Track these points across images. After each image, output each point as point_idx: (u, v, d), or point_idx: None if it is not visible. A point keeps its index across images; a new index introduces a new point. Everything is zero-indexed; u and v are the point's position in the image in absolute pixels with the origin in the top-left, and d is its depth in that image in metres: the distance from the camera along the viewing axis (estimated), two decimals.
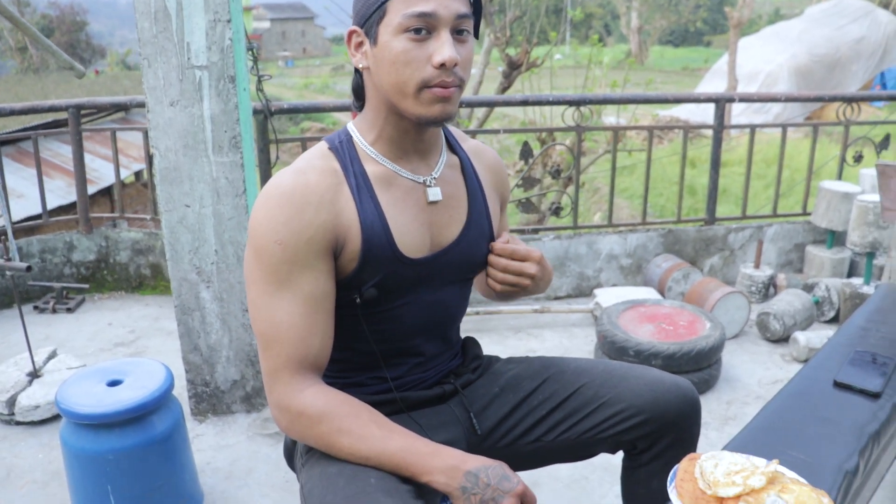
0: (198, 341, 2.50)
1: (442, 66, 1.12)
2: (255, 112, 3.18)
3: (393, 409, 1.30)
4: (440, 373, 1.39)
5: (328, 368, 1.28)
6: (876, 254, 3.47)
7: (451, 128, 1.39)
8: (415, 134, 1.23)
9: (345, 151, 1.23)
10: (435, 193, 1.26)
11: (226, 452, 2.43)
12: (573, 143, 3.95)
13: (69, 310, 3.65)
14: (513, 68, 7.29)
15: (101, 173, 7.38)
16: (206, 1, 2.16)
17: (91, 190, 5.62)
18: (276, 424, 2.50)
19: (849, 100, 4.02)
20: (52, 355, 2.90)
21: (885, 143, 4.05)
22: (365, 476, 1.13)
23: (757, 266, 3.76)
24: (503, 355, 1.52)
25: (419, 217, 1.25)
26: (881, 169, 2.73)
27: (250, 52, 2.58)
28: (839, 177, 4.13)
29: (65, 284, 3.73)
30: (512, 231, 3.17)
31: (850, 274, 3.88)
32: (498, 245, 1.34)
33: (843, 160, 4.09)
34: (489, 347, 2.68)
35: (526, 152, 3.79)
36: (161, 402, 1.98)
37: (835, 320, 3.50)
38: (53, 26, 30.69)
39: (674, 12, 32.70)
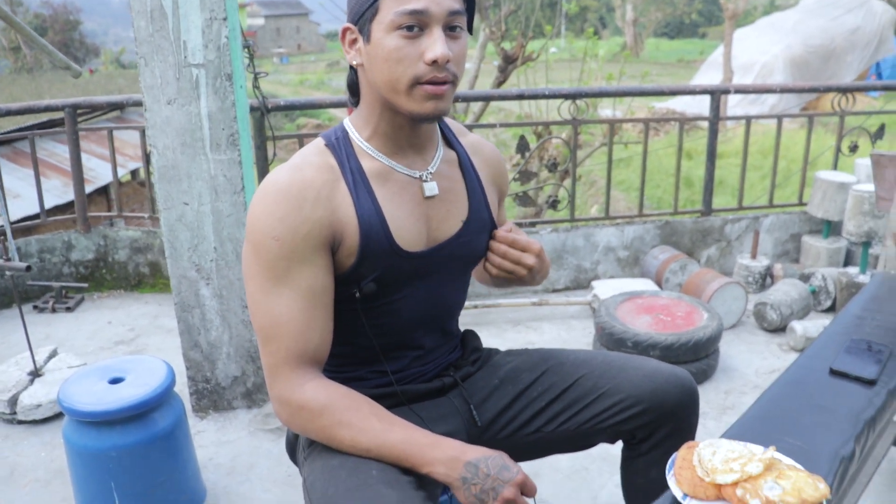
0: (198, 338, 2.51)
1: (434, 62, 1.12)
2: (252, 109, 3.18)
3: (393, 402, 1.32)
4: (440, 365, 1.40)
5: (329, 363, 1.30)
6: (872, 243, 3.49)
7: (450, 122, 1.40)
8: (409, 129, 1.24)
9: (341, 147, 1.24)
10: (431, 188, 1.27)
11: (227, 448, 2.45)
12: (569, 137, 3.95)
13: (69, 309, 3.66)
14: (508, 62, 7.29)
15: (97, 172, 7.37)
16: None
17: (88, 189, 5.62)
18: (276, 420, 2.52)
19: (844, 90, 4.03)
20: (53, 354, 2.91)
21: (880, 133, 4.07)
22: (366, 468, 1.14)
23: (753, 256, 3.78)
24: (502, 348, 1.53)
25: (415, 212, 1.26)
26: (876, 159, 2.74)
27: (246, 50, 2.58)
28: (835, 167, 4.15)
29: (64, 284, 3.74)
30: None
31: (847, 263, 3.90)
32: (500, 233, 1.36)
33: (838, 150, 4.10)
34: (488, 340, 2.70)
35: (522, 146, 3.79)
36: (163, 398, 1.99)
37: (831, 309, 3.52)
38: (47, 25, 30.60)
39: (669, 4, 32.68)
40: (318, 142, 1.26)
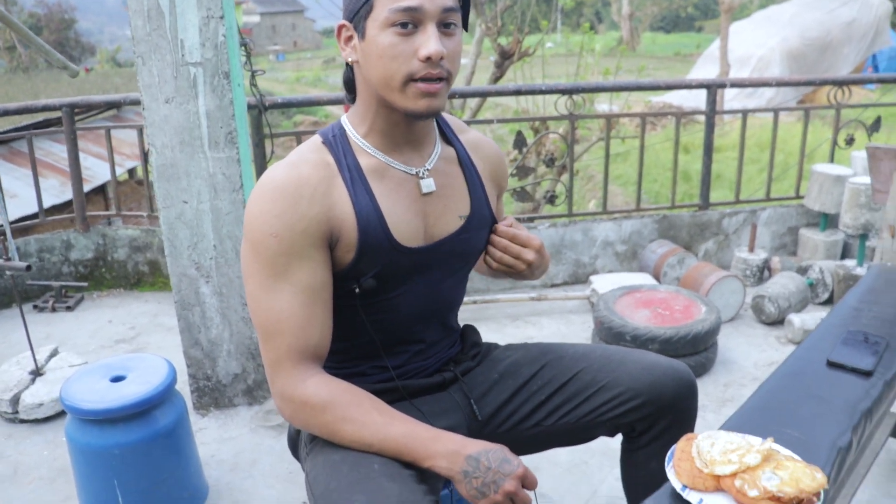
0: (198, 336, 2.52)
1: (428, 59, 1.13)
2: (250, 107, 3.18)
3: (395, 397, 1.33)
4: (440, 360, 1.41)
5: (330, 359, 1.30)
6: (868, 235, 3.50)
7: (450, 118, 1.40)
8: (405, 126, 1.25)
9: (338, 144, 1.25)
10: (428, 185, 1.28)
11: (229, 445, 2.46)
12: (566, 132, 3.96)
13: (69, 308, 3.67)
14: (505, 58, 7.28)
15: (94, 171, 7.34)
16: None
17: (85, 188, 5.61)
18: (278, 416, 2.53)
19: (839, 83, 4.04)
20: (54, 353, 2.91)
21: (876, 126, 4.07)
22: (368, 462, 1.15)
23: (751, 250, 3.79)
24: (501, 343, 1.54)
25: (412, 208, 1.27)
26: (871, 151, 2.75)
27: (243, 48, 2.59)
28: (831, 160, 4.16)
29: (63, 283, 3.74)
30: None
31: (844, 256, 3.91)
32: (501, 227, 1.37)
33: (834, 143, 4.11)
34: (487, 336, 2.70)
35: (520, 141, 3.80)
36: (164, 396, 2.00)
37: (829, 302, 3.53)
38: (42, 25, 30.51)
39: None
40: (316, 139, 1.27)
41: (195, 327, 2.50)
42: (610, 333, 2.80)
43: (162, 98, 2.25)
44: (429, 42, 1.13)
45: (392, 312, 1.30)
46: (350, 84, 1.28)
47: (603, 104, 10.46)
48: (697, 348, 2.78)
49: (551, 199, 4.02)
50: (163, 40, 2.20)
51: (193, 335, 2.51)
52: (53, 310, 3.65)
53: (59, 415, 2.63)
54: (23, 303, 3.63)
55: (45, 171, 6.95)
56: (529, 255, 1.35)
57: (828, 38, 13.81)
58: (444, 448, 1.14)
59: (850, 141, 4.11)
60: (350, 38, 1.20)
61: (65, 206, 6.15)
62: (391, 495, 1.08)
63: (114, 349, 3.25)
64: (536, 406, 1.39)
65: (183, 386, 2.56)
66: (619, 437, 1.46)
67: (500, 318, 3.48)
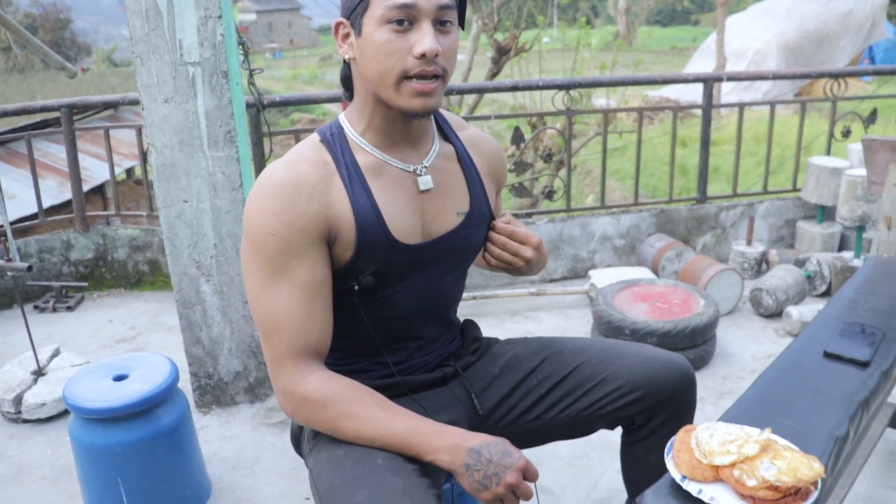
0: (200, 334, 2.53)
1: (423, 56, 1.14)
2: (248, 106, 3.19)
3: (396, 392, 1.34)
4: (440, 356, 1.42)
5: (330, 356, 1.32)
6: (865, 227, 3.51)
7: (449, 115, 1.41)
8: (402, 124, 1.26)
9: (336, 142, 1.26)
10: (426, 182, 1.29)
11: (231, 443, 2.47)
12: (564, 127, 3.97)
13: (69, 308, 3.68)
14: (501, 53, 7.28)
15: (92, 171, 7.34)
16: None
17: (84, 188, 5.61)
18: (279, 413, 2.55)
19: (835, 76, 4.05)
20: (56, 353, 2.92)
21: (872, 118, 4.08)
22: (372, 457, 1.16)
23: (749, 243, 3.81)
24: (501, 338, 1.55)
25: (410, 205, 1.27)
26: (867, 143, 2.76)
27: (241, 47, 2.59)
28: (828, 152, 4.17)
29: (64, 283, 3.75)
30: None
31: (841, 248, 3.92)
32: (499, 224, 1.38)
33: (831, 136, 4.12)
34: (487, 331, 2.71)
35: (517, 137, 3.81)
36: (167, 395, 2.01)
37: (827, 294, 3.54)
38: (37, 25, 30.44)
39: None
40: (314, 137, 1.28)
41: (196, 326, 2.51)
42: (609, 327, 2.82)
43: (161, 98, 2.26)
44: (424, 39, 1.13)
45: (391, 309, 1.31)
46: (347, 81, 1.29)
47: (600, 99, 10.46)
48: (696, 341, 2.79)
49: (549, 195, 4.03)
50: (161, 40, 2.20)
51: (195, 333, 2.52)
52: (54, 310, 3.66)
53: (62, 414, 2.64)
54: (24, 303, 3.65)
55: (44, 171, 6.95)
56: (527, 251, 1.36)
57: (824, 31, 13.81)
58: (446, 442, 1.15)
59: (846, 133, 4.12)
60: (347, 36, 1.21)
61: (63, 207, 6.15)
62: (395, 490, 1.09)
63: (115, 349, 3.26)
64: (537, 400, 1.40)
65: (185, 384, 2.56)
66: (619, 430, 1.47)
67: (500, 313, 3.49)
